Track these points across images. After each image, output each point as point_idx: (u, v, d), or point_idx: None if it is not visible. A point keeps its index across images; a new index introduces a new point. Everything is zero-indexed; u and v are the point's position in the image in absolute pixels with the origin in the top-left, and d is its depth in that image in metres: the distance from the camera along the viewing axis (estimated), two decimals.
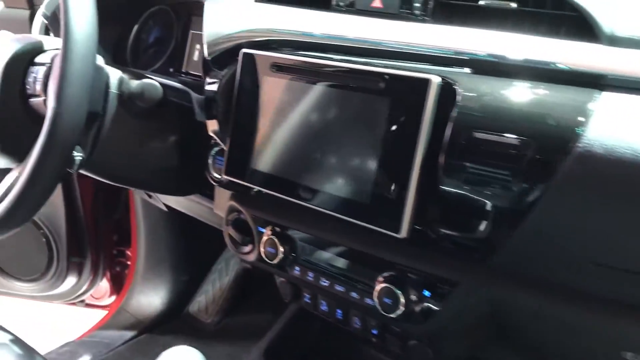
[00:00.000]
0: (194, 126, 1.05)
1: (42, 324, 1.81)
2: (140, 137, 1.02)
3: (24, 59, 0.88)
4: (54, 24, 1.24)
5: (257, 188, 0.86)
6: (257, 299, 1.68)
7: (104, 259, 1.75)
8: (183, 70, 1.20)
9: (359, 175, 0.73)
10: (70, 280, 1.72)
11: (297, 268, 0.88)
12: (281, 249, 0.87)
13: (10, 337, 0.95)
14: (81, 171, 0.98)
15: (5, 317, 1.29)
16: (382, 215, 0.71)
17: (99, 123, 0.91)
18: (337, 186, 0.76)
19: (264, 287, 1.60)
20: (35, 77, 0.86)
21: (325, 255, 0.86)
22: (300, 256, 0.88)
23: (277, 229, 0.89)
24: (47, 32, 1.31)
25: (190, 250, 1.72)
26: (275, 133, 0.83)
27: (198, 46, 1.19)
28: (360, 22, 0.81)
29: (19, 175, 0.90)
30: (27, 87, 0.87)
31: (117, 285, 1.82)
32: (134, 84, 0.91)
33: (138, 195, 1.61)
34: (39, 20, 1.31)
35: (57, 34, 1.25)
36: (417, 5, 0.77)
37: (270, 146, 0.83)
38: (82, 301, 1.86)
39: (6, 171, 0.94)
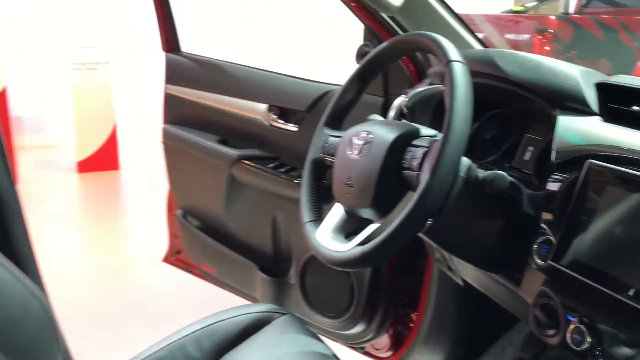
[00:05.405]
0: (518, 215, 1.21)
1: None
2: (474, 216, 1.21)
3: (406, 140, 1.13)
4: (412, 113, 1.53)
5: (580, 278, 0.97)
6: None
7: (392, 315, 1.97)
8: (512, 166, 1.37)
9: None
10: (360, 326, 1.97)
11: None
12: (588, 338, 0.96)
13: None
14: (421, 235, 1.20)
15: None
16: None
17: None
18: None
19: None
20: (412, 155, 1.10)
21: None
22: (608, 350, 0.95)
23: (586, 320, 0.98)
24: (399, 118, 1.62)
25: (472, 327, 1.84)
26: (609, 236, 0.94)
27: (531, 148, 1.35)
28: None
29: (380, 226, 1.16)
30: (404, 162, 1.11)
31: (397, 343, 2.01)
32: (485, 172, 1.11)
33: (437, 267, 1.80)
34: (395, 107, 1.63)
35: (412, 121, 1.54)
36: None
37: (604, 247, 0.95)
38: (362, 348, 2.10)
39: (367, 221, 1.21)
